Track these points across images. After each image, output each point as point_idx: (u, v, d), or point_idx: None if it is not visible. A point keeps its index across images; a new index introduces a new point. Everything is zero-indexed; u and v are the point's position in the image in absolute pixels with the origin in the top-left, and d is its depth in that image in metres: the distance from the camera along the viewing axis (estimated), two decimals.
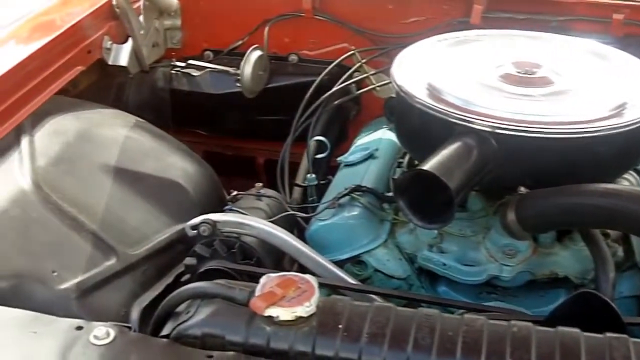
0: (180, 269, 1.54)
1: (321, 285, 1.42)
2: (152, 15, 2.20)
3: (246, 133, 2.36)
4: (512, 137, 1.36)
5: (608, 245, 1.45)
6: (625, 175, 1.59)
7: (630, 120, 1.39)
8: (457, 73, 1.58)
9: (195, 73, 2.25)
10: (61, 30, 1.85)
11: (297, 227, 1.72)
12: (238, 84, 2.17)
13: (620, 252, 1.51)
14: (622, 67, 1.63)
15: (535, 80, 1.54)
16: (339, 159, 1.88)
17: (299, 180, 1.96)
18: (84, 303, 1.38)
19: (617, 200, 1.31)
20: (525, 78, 1.55)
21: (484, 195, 1.54)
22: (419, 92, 1.50)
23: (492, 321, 1.04)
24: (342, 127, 2.26)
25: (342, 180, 1.74)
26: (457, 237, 1.52)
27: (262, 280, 1.11)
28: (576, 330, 1.01)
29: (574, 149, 1.38)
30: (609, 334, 1.01)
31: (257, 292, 1.08)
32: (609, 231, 1.49)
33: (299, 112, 2.07)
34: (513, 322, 1.03)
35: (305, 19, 2.25)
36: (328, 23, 2.25)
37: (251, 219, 1.53)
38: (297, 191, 1.95)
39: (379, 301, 1.37)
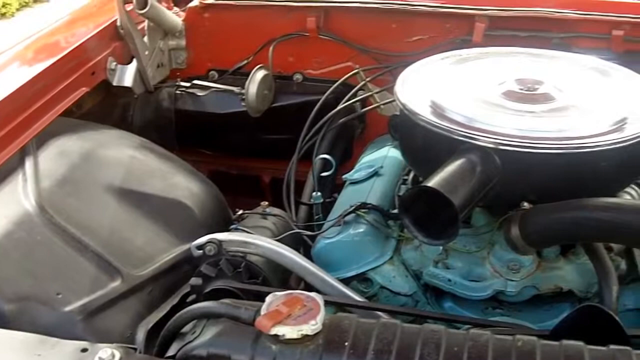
0: (186, 289, 1.53)
1: (327, 303, 1.43)
2: (156, 35, 2.22)
3: (251, 152, 2.37)
4: (514, 153, 1.37)
5: (611, 258, 1.45)
6: (627, 189, 1.60)
7: (631, 135, 1.40)
8: (460, 90, 1.58)
9: (200, 93, 2.27)
10: (65, 52, 1.87)
11: (303, 246, 1.73)
12: (243, 104, 2.18)
13: (623, 265, 1.51)
14: (623, 82, 1.64)
15: (537, 96, 1.55)
16: (344, 176, 1.88)
17: (304, 199, 1.97)
18: (89, 325, 1.37)
19: (618, 214, 1.32)
20: (527, 95, 1.55)
21: (488, 211, 1.55)
22: (423, 110, 1.51)
23: (497, 336, 1.04)
24: (347, 145, 2.27)
25: (347, 198, 1.75)
26: (462, 253, 1.53)
27: (268, 299, 1.11)
28: (580, 343, 1.02)
29: (576, 164, 1.38)
30: (612, 347, 1.01)
31: (263, 311, 1.09)
32: (612, 244, 1.49)
33: (304, 130, 2.09)
34: (518, 336, 1.03)
35: (309, 38, 2.27)
36: (332, 42, 2.26)
37: (257, 238, 1.54)
38: (303, 209, 1.96)
39: (385, 318, 1.37)
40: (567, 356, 0.99)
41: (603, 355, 0.99)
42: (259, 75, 2.18)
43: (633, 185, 1.62)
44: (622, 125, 1.44)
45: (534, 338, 1.03)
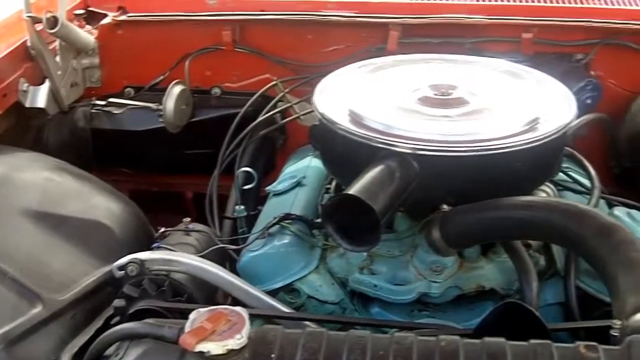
0: (110, 311, 1.50)
1: (255, 316, 1.43)
2: (69, 55, 2.18)
3: (173, 168, 2.35)
4: (431, 157, 1.40)
5: (530, 255, 1.49)
6: (542, 187, 1.64)
7: (543, 135, 1.44)
8: (377, 98, 1.60)
9: (116, 111, 2.24)
10: None
11: (229, 260, 1.72)
12: (161, 120, 2.16)
13: (542, 261, 1.55)
14: (534, 84, 1.69)
15: (452, 101, 1.58)
16: (267, 188, 1.88)
17: (228, 213, 1.96)
18: (10, 354, 1.32)
19: (534, 212, 1.36)
20: (442, 100, 1.58)
21: (410, 215, 1.57)
22: (341, 119, 1.52)
23: (421, 337, 1.06)
24: (270, 157, 2.27)
25: (271, 210, 1.75)
26: (387, 258, 1.55)
27: (192, 316, 1.09)
28: (502, 340, 1.03)
29: (491, 165, 1.42)
30: (533, 341, 1.03)
31: (187, 329, 1.07)
32: (530, 242, 1.53)
33: (225, 144, 2.08)
34: (441, 336, 1.05)
35: (226, 51, 2.26)
36: (249, 55, 2.27)
37: (179, 255, 1.52)
38: (227, 224, 1.95)
39: (312, 327, 1.37)
40: (489, 353, 1.01)
41: (524, 350, 1.01)
42: (176, 90, 2.17)
43: (547, 183, 1.67)
44: (534, 125, 1.48)
45: (457, 337, 1.05)
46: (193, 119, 2.26)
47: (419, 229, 1.51)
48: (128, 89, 2.32)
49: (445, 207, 1.44)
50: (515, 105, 1.57)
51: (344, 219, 1.35)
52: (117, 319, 1.48)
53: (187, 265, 1.49)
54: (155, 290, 1.48)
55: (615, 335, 1.10)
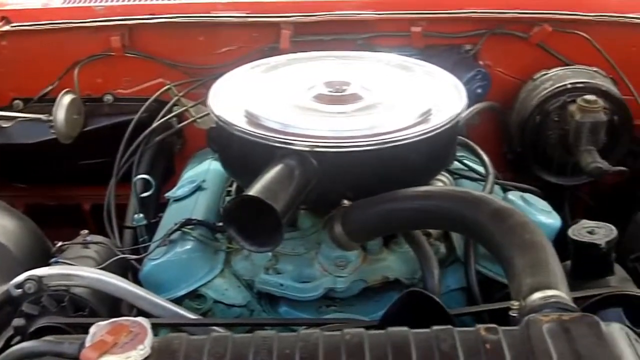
0: (10, 332, 1.45)
1: (160, 325, 1.41)
2: None
3: (68, 180, 2.28)
4: (328, 153, 1.41)
5: (430, 243, 1.53)
6: (439, 177, 1.68)
7: (435, 126, 1.47)
8: (272, 98, 1.60)
9: (5, 124, 2.16)
10: None
11: (131, 270, 1.68)
12: (52, 131, 2.09)
13: (442, 248, 1.59)
14: (425, 76, 1.72)
15: (346, 97, 1.59)
16: (166, 195, 1.85)
17: (128, 222, 1.91)
18: None
19: (431, 201, 1.39)
20: (336, 96, 1.59)
21: (313, 212, 1.58)
22: (238, 120, 1.51)
23: (326, 333, 1.06)
24: (168, 163, 2.23)
25: (172, 216, 1.72)
26: (292, 256, 1.55)
27: (92, 329, 1.07)
28: (405, 328, 1.05)
29: (387, 157, 1.43)
30: (435, 327, 1.05)
31: (87, 343, 1.04)
32: (430, 230, 1.57)
33: (120, 152, 2.04)
34: (346, 330, 1.06)
35: (116, 57, 2.21)
36: (140, 59, 2.22)
37: (78, 269, 1.48)
38: (127, 233, 1.90)
39: (220, 332, 1.36)
40: (393, 342, 1.02)
41: (426, 337, 1.03)
42: (66, 99, 2.10)
43: (444, 173, 1.71)
44: (427, 117, 1.51)
45: (362, 330, 1.06)
46: (86, 128, 2.20)
47: (322, 226, 1.52)
48: (16, 101, 2.23)
49: (345, 202, 1.45)
50: (408, 98, 1.60)
51: (246, 221, 1.34)
52: (17, 338, 1.43)
53: (87, 278, 1.46)
54: (55, 306, 1.44)
55: (514, 316, 1.14)
